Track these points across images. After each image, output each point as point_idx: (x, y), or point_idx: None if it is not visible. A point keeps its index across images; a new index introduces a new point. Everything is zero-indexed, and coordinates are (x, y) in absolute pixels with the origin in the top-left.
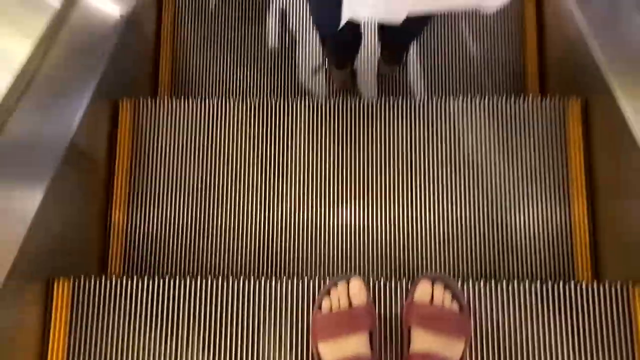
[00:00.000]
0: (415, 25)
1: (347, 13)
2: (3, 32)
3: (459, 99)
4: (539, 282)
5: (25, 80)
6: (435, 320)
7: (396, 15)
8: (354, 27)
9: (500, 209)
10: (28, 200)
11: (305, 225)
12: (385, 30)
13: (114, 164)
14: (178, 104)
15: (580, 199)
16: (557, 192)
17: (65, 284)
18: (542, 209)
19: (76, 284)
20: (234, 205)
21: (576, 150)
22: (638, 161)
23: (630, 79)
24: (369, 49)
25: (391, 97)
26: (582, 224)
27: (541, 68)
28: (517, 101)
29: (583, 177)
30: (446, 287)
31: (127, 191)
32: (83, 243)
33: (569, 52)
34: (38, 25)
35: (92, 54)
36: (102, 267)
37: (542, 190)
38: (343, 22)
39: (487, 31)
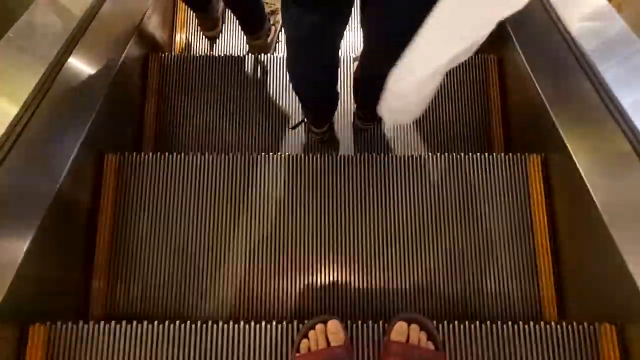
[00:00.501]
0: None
1: (389, 122)
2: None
3: (429, 154)
4: (509, 322)
5: (15, 134)
6: (411, 359)
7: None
8: (330, 90)
9: (471, 258)
10: (12, 252)
11: (285, 272)
12: (360, 93)
13: (97, 216)
14: (161, 158)
15: (544, 245)
16: (523, 242)
17: (42, 329)
18: (509, 258)
19: (53, 328)
20: (216, 256)
21: (538, 201)
22: (591, 209)
23: (582, 136)
24: (346, 105)
25: (365, 153)
26: (547, 269)
27: (505, 129)
28: (483, 157)
29: (546, 225)
30: (422, 327)
31: (110, 244)
32: (63, 294)
33: (529, 113)
34: (29, 82)
35: (80, 109)
36: (82, 316)
37: (508, 240)
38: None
39: (455, 94)
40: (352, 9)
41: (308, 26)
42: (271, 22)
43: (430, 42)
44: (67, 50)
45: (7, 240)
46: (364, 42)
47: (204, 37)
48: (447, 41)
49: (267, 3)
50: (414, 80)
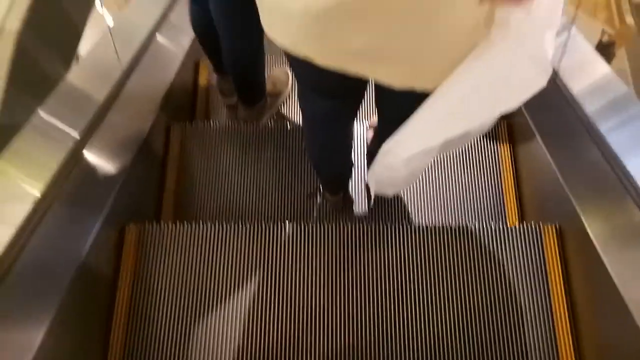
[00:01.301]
0: None
1: (375, 191)
2: (26, 170)
3: (444, 226)
4: None
5: (42, 209)
6: None
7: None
8: (345, 163)
9: (488, 329)
10: (34, 329)
11: (300, 341)
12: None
13: (116, 286)
14: (180, 228)
15: (562, 316)
16: (540, 312)
17: None
18: (527, 330)
19: None
20: (232, 325)
21: (555, 271)
22: (606, 278)
23: (596, 209)
24: (361, 172)
25: (380, 223)
26: (566, 342)
27: (519, 196)
28: (498, 227)
29: (564, 296)
30: None
31: (127, 313)
32: None
33: (543, 185)
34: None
35: (102, 186)
36: None
37: (526, 311)
38: (372, 195)
39: (468, 161)
40: (365, 93)
41: (323, 111)
42: (268, 102)
43: (424, 124)
44: (91, 127)
45: (28, 319)
46: (378, 119)
47: (223, 105)
48: (439, 127)
49: (274, 83)
50: (404, 156)
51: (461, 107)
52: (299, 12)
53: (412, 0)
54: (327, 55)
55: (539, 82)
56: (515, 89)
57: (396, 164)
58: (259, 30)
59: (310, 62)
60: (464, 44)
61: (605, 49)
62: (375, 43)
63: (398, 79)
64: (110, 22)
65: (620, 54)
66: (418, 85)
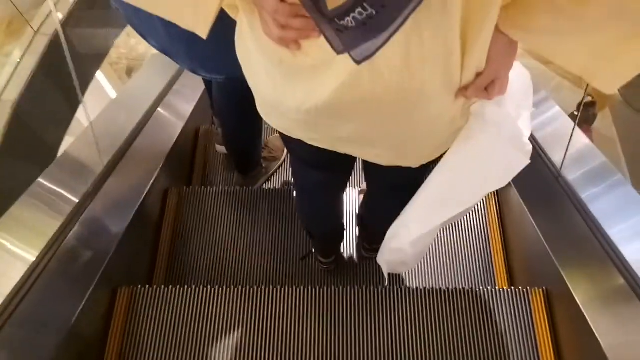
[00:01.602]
0: (392, 219)
1: (387, 271)
2: (21, 233)
3: (433, 288)
4: None
5: (37, 273)
6: None
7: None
8: (336, 227)
9: None
10: None
11: None
12: (363, 229)
13: (105, 348)
14: (171, 290)
15: None
16: None
17: None
18: None
19: None
20: None
21: (544, 335)
22: (592, 341)
23: (580, 273)
24: (352, 235)
25: (371, 287)
26: None
27: (507, 264)
28: (486, 290)
29: (552, 354)
30: None
31: None
32: None
33: (529, 250)
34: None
35: (98, 250)
36: None
37: None
38: (386, 276)
39: (457, 227)
40: (355, 165)
41: (313, 180)
42: (264, 167)
43: (422, 210)
44: (90, 192)
45: None
46: (367, 187)
47: (220, 171)
48: (436, 211)
49: (270, 150)
50: (410, 238)
51: (453, 192)
52: (293, 108)
53: (392, 100)
54: (319, 140)
55: (522, 162)
56: (501, 170)
57: (403, 247)
58: (259, 118)
59: (303, 142)
60: (444, 133)
61: (587, 109)
62: (361, 132)
63: (384, 160)
64: (112, 91)
65: (607, 122)
66: (403, 164)
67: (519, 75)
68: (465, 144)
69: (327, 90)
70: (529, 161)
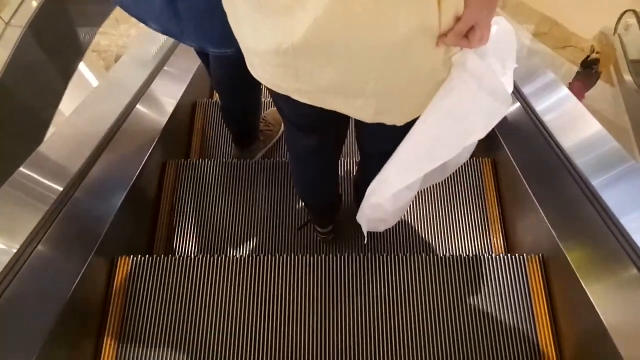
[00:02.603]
0: None
1: (367, 229)
2: (18, 207)
3: (431, 255)
4: None
5: (34, 243)
6: None
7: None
8: (332, 196)
9: (472, 353)
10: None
11: None
12: (359, 196)
13: (106, 317)
14: (171, 260)
15: (548, 347)
16: (526, 342)
17: None
18: (512, 356)
19: None
20: (223, 357)
21: (540, 301)
22: (589, 308)
23: (576, 240)
24: (350, 204)
25: (368, 254)
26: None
27: (504, 232)
28: (483, 257)
29: (549, 325)
30: None
31: (117, 345)
32: None
33: (524, 212)
34: (49, 196)
35: (96, 218)
36: None
37: (510, 341)
38: (365, 234)
39: (453, 193)
40: (348, 131)
41: (306, 146)
42: (262, 140)
43: (402, 162)
44: (90, 161)
45: (19, 346)
46: (359, 153)
47: (217, 142)
48: (417, 163)
49: (268, 123)
50: (389, 193)
51: (434, 142)
52: (272, 51)
53: (367, 43)
54: (302, 92)
55: (500, 113)
56: (481, 121)
57: (382, 202)
58: (259, 90)
59: (290, 98)
60: (425, 83)
61: (590, 67)
62: (341, 78)
63: (367, 114)
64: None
65: (621, 110)
66: (387, 120)
67: (503, 30)
68: (446, 95)
69: (301, 29)
70: (508, 110)
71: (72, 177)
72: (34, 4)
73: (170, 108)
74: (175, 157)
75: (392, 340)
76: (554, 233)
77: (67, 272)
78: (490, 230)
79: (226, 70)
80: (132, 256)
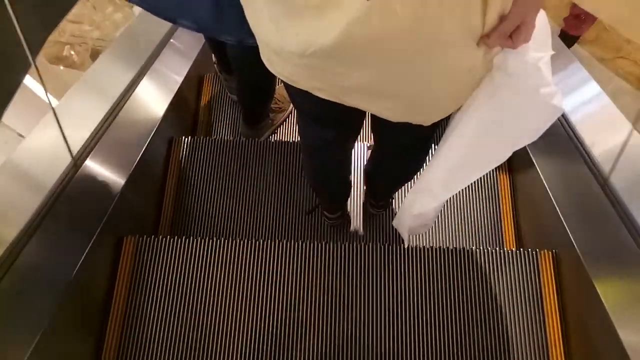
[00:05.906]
0: (401, 177)
1: (406, 235)
2: (17, 188)
3: (440, 247)
4: None
5: (39, 218)
6: None
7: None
8: (342, 184)
9: (483, 354)
10: (27, 336)
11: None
12: (370, 185)
13: (112, 297)
14: (177, 242)
15: (557, 343)
16: (535, 337)
17: None
18: (522, 355)
19: None
20: (228, 340)
21: (550, 297)
22: (598, 305)
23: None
24: (359, 191)
25: (377, 243)
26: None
27: (516, 229)
28: (494, 252)
29: (559, 322)
30: None
31: (121, 324)
32: None
33: (539, 213)
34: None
35: (101, 196)
36: None
37: (521, 336)
38: (406, 241)
39: (469, 191)
40: (363, 125)
41: (321, 138)
42: (270, 118)
43: (450, 170)
44: (93, 137)
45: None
46: (374, 143)
47: (225, 120)
48: (468, 170)
49: (276, 100)
50: (436, 202)
51: (480, 152)
52: (296, 52)
53: (405, 43)
54: (325, 90)
55: (555, 112)
56: (531, 124)
57: (426, 212)
58: None
59: (308, 93)
60: (461, 84)
61: None
62: (372, 80)
63: (395, 114)
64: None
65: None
66: (414, 120)
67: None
68: (489, 101)
69: (333, 31)
70: (563, 109)
71: (76, 153)
72: None
73: (178, 81)
74: (182, 134)
75: (400, 332)
76: (567, 229)
77: (72, 250)
78: (503, 224)
79: (246, 52)
80: (137, 236)
